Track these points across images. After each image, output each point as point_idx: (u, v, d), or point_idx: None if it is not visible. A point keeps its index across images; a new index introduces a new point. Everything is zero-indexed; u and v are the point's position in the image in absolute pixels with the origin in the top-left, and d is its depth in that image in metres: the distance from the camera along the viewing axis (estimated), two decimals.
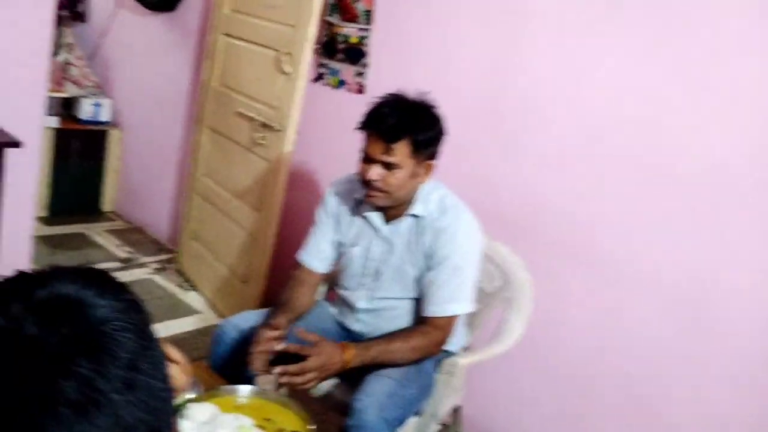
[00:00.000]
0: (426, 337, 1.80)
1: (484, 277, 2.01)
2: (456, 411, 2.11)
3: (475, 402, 2.41)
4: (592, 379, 2.27)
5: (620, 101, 2.15)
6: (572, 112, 2.27)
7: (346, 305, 1.99)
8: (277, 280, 3.08)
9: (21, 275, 0.58)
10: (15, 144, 2.23)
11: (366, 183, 1.77)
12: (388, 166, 1.73)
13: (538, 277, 2.08)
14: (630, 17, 2.10)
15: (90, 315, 0.55)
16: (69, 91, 3.97)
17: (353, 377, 1.78)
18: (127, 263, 3.59)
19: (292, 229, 3.01)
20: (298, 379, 1.63)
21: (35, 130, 2.74)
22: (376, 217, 1.88)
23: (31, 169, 2.77)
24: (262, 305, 2.70)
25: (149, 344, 0.58)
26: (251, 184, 2.93)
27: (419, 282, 1.85)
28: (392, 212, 1.86)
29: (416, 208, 1.83)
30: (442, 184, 1.90)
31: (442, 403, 1.86)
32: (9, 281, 0.57)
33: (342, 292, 2.00)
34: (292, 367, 1.62)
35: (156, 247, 3.88)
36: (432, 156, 1.79)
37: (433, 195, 1.85)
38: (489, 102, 2.41)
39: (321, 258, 1.98)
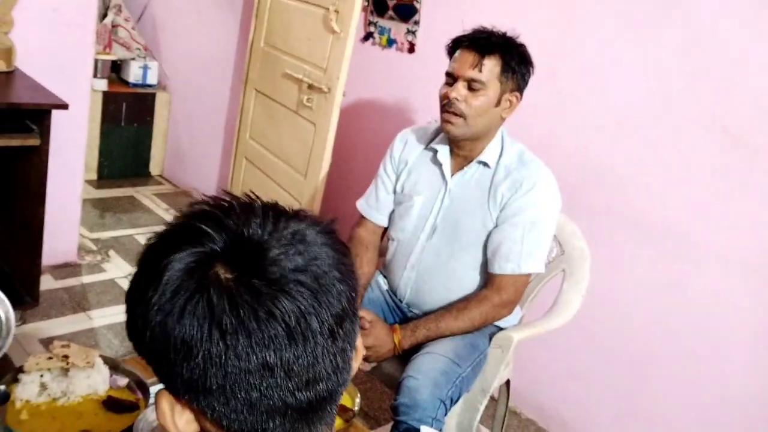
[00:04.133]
0: (485, 303, 1.71)
1: None
2: (505, 385, 2.04)
3: (525, 375, 2.33)
4: (650, 356, 2.17)
5: (693, 59, 1.99)
6: (637, 73, 2.12)
7: (395, 267, 1.90)
8: None
9: (274, 207, 0.62)
10: (62, 106, 2.21)
11: (446, 105, 1.69)
12: (473, 87, 1.66)
13: (594, 248, 1.97)
14: None
15: (321, 259, 0.58)
16: (117, 53, 3.96)
17: (404, 352, 1.72)
18: None
19: (339, 195, 2.94)
20: None
21: (82, 93, 2.73)
22: (446, 161, 1.79)
23: (78, 132, 2.77)
24: None
25: (354, 310, 0.61)
26: (298, 148, 2.86)
27: (488, 238, 1.74)
28: (464, 154, 1.77)
29: (487, 155, 1.74)
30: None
31: (494, 379, 1.78)
32: (265, 206, 0.61)
33: (392, 246, 1.91)
34: None
35: None
36: (518, 88, 1.72)
37: (513, 147, 1.77)
38: (547, 64, 2.27)
39: (382, 210, 1.93)
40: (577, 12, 2.25)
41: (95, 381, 1.34)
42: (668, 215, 2.08)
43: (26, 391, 1.30)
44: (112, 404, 1.33)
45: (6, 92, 2.26)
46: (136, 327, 0.58)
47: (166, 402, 0.59)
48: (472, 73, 1.66)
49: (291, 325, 0.54)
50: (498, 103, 1.70)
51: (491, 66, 1.66)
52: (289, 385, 0.56)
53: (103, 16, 3.93)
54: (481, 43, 1.67)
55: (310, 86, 2.71)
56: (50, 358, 1.35)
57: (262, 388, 0.55)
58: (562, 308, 1.90)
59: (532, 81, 1.75)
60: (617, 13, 2.15)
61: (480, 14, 2.45)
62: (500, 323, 1.84)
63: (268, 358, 0.54)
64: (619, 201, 2.19)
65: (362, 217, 1.95)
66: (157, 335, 0.56)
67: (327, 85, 2.61)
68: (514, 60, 1.68)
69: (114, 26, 3.97)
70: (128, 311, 0.60)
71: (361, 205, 1.96)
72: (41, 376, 1.32)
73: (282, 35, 3.00)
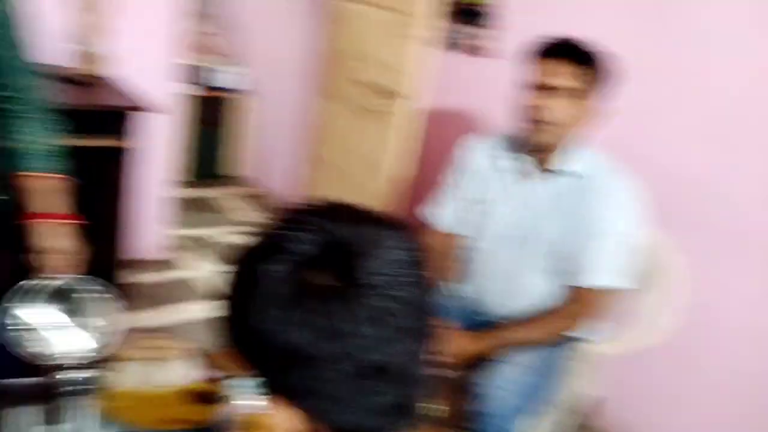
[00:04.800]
0: (565, 316, 1.65)
1: None
2: (588, 400, 1.96)
3: (616, 393, 2.22)
4: (758, 381, 2.01)
5: None
6: (734, 75, 2.00)
7: (468, 274, 1.86)
8: None
9: (359, 211, 0.64)
10: (150, 109, 2.30)
11: (536, 115, 1.64)
12: (568, 96, 1.62)
13: (693, 263, 1.85)
14: None
15: (404, 261, 0.60)
16: (205, 59, 4.09)
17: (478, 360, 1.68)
18: None
19: (413, 201, 2.93)
20: None
21: (170, 97, 2.82)
22: (522, 168, 1.73)
23: (164, 134, 2.87)
24: None
25: (433, 311, 0.64)
26: (379, 154, 2.87)
27: (566, 249, 1.68)
28: (544, 164, 1.71)
29: (568, 164, 1.68)
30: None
31: (574, 393, 1.71)
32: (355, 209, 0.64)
33: (465, 254, 1.87)
34: None
35: None
36: (603, 98, 1.68)
37: (596, 156, 1.71)
38: (631, 69, 2.19)
39: (452, 218, 1.87)
40: (667, 21, 2.15)
41: (182, 372, 1.37)
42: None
43: (120, 379, 1.34)
44: (199, 395, 1.35)
45: (96, 96, 2.38)
46: (234, 333, 0.61)
47: (269, 402, 0.61)
48: (567, 83, 1.62)
49: (387, 327, 0.57)
50: (587, 112, 1.66)
51: (584, 75, 1.63)
52: (386, 385, 0.59)
53: (191, 22, 4.06)
54: (575, 52, 1.64)
55: (386, 92, 2.71)
56: (141, 348, 1.39)
57: (363, 387, 0.58)
58: (653, 326, 1.81)
59: (622, 89, 1.70)
60: (715, 19, 2.04)
61: (562, 20, 2.39)
62: (586, 337, 1.78)
63: (367, 359, 0.57)
64: (718, 214, 2.07)
65: (431, 225, 1.92)
66: (259, 342, 0.58)
67: (403, 91, 2.61)
68: (603, 69, 1.65)
69: (201, 32, 4.11)
70: (226, 317, 0.62)
71: (430, 213, 1.94)
72: (132, 365, 1.36)
73: (359, 41, 3.02)
